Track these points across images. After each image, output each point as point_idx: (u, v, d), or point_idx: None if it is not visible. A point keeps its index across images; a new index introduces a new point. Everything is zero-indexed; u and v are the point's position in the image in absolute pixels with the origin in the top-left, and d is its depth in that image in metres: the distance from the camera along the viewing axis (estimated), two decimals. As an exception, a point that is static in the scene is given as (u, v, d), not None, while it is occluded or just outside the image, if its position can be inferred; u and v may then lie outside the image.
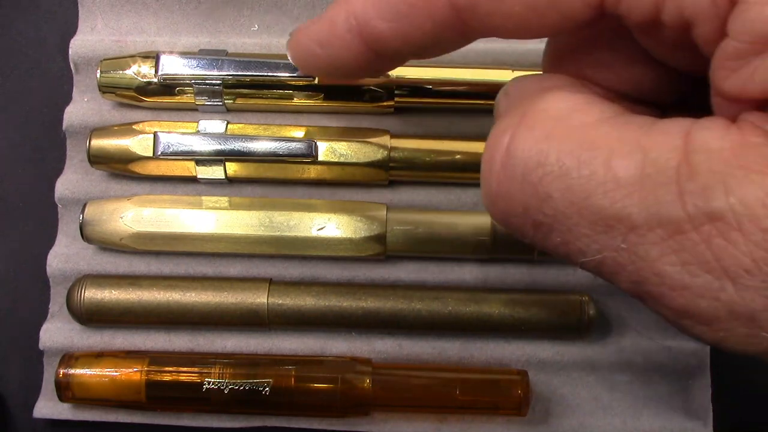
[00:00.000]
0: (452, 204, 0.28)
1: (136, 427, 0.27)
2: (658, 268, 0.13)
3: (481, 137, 0.26)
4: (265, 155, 0.27)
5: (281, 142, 0.27)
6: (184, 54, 0.27)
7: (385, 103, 0.28)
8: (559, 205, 0.14)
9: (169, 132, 0.27)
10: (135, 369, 0.26)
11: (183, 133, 0.27)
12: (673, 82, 0.17)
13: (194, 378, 0.26)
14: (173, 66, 0.27)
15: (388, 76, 0.27)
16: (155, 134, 0.27)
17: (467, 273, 0.28)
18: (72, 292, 0.27)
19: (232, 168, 0.27)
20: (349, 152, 0.27)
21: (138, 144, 0.27)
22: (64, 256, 0.28)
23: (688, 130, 0.13)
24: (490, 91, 0.27)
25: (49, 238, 0.29)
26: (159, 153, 0.27)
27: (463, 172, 0.27)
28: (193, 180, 0.28)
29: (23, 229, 0.30)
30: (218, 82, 0.27)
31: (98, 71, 0.27)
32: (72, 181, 0.28)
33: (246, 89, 0.27)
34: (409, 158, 0.27)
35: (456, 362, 0.27)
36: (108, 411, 0.27)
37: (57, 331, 0.28)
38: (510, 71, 0.27)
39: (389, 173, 0.27)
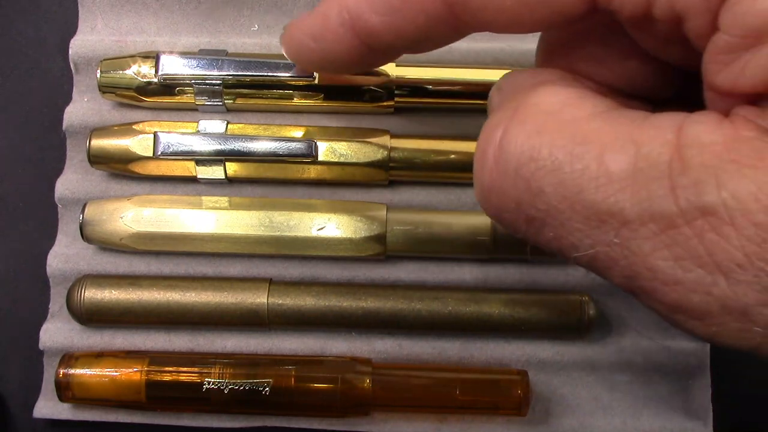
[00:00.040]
0: (452, 204, 0.28)
1: (136, 427, 0.27)
2: (650, 262, 0.13)
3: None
4: (265, 155, 0.27)
5: (281, 142, 0.27)
6: (184, 54, 0.27)
7: (385, 103, 0.28)
8: (551, 199, 0.14)
9: (169, 132, 0.27)
10: (135, 369, 0.26)
11: (183, 133, 0.27)
12: (666, 76, 0.17)
13: (194, 378, 0.26)
14: (173, 66, 0.27)
15: (389, 75, 0.27)
16: (155, 134, 0.27)
17: (467, 273, 0.28)
18: (72, 292, 0.27)
19: (232, 168, 0.27)
20: (349, 152, 0.27)
21: (138, 144, 0.27)
22: (64, 256, 0.28)
23: (680, 124, 0.13)
24: (489, 91, 0.27)
25: (49, 238, 0.29)
26: (159, 153, 0.27)
27: (463, 172, 0.27)
28: (193, 180, 0.28)
29: (23, 229, 0.30)
30: (218, 82, 0.27)
31: (98, 71, 0.27)
32: (72, 181, 0.28)
33: (246, 89, 0.27)
34: (409, 158, 0.27)
35: (456, 362, 0.27)
36: (108, 411, 0.27)
37: (57, 331, 0.28)
38: (510, 71, 0.27)
39: (389, 173, 0.27)
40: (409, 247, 0.27)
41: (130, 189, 0.28)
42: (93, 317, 0.27)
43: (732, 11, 0.12)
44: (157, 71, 0.27)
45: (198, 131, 0.27)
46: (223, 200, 0.28)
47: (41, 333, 0.28)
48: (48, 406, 0.28)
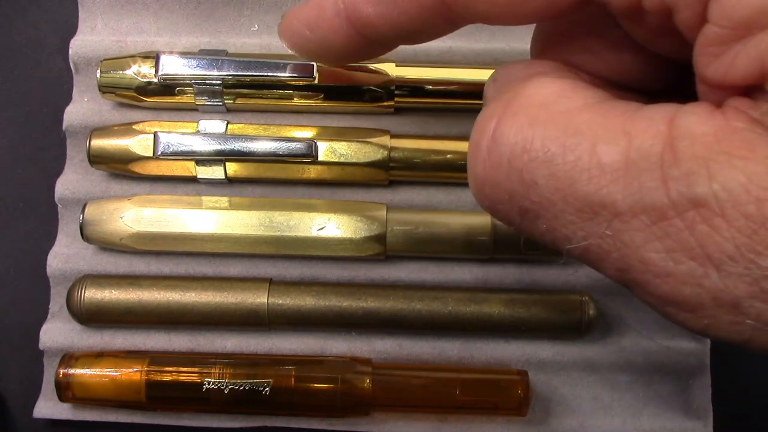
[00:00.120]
0: (452, 204, 0.28)
1: (136, 427, 0.27)
2: (642, 255, 0.13)
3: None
4: (265, 155, 0.27)
5: (281, 142, 0.27)
6: (184, 54, 0.27)
7: (385, 103, 0.28)
8: (544, 191, 0.14)
9: (169, 132, 0.27)
10: (135, 369, 0.26)
11: (183, 133, 0.27)
12: (660, 68, 0.17)
13: (194, 378, 0.26)
14: (173, 66, 0.27)
15: (389, 75, 0.27)
16: (155, 134, 0.27)
17: (467, 273, 0.28)
18: (72, 292, 0.27)
19: (232, 168, 0.27)
20: (349, 152, 0.27)
21: (138, 144, 0.27)
22: (64, 256, 0.28)
23: (672, 115, 0.13)
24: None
25: (49, 238, 0.29)
26: (159, 153, 0.27)
27: (463, 172, 0.27)
28: (193, 180, 0.28)
29: (23, 229, 0.30)
30: (218, 82, 0.27)
31: (98, 71, 0.27)
32: (72, 181, 0.28)
33: (246, 89, 0.27)
34: (409, 158, 0.27)
35: (456, 362, 0.27)
36: (108, 411, 0.27)
37: (57, 331, 0.28)
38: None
39: (389, 173, 0.27)
40: (409, 247, 0.27)
41: (130, 189, 0.28)
42: (93, 317, 0.27)
43: (721, 2, 0.12)
44: (157, 71, 0.27)
45: (198, 131, 0.27)
46: (223, 200, 0.28)
47: (41, 333, 0.28)
48: (48, 406, 0.28)
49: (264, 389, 0.26)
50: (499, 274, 0.28)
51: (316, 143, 0.27)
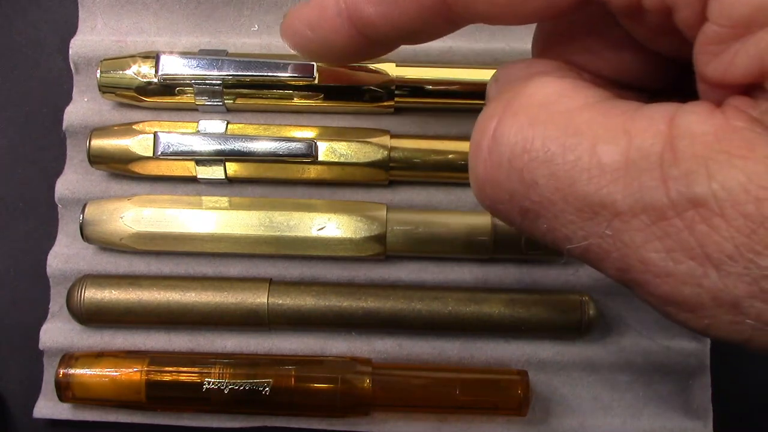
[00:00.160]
0: (452, 204, 0.28)
1: (136, 427, 0.27)
2: (642, 254, 0.13)
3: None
4: (265, 155, 0.27)
5: (281, 142, 0.27)
6: (184, 54, 0.27)
7: (385, 103, 0.28)
8: (544, 191, 0.14)
9: (169, 132, 0.27)
10: (135, 369, 0.26)
11: (183, 133, 0.27)
12: (661, 67, 0.17)
13: (194, 378, 0.26)
14: (173, 66, 0.27)
15: (389, 75, 0.27)
16: (155, 134, 0.27)
17: (467, 273, 0.28)
18: (72, 292, 0.27)
19: (232, 168, 0.27)
20: (349, 152, 0.27)
21: (138, 144, 0.27)
22: (64, 256, 0.28)
23: (672, 114, 0.13)
24: (489, 90, 0.27)
25: (49, 238, 0.29)
26: (159, 153, 0.27)
27: (463, 172, 0.27)
28: (193, 180, 0.28)
29: (23, 229, 0.30)
30: (218, 82, 0.27)
31: (98, 71, 0.27)
32: (72, 181, 0.28)
33: (246, 89, 0.27)
34: (409, 158, 0.27)
35: (456, 362, 0.27)
36: (108, 411, 0.27)
37: (57, 331, 0.28)
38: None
39: (389, 173, 0.27)
40: (409, 247, 0.27)
41: (130, 189, 0.28)
42: (93, 317, 0.27)
43: (720, 1, 0.12)
44: (157, 71, 0.27)
45: (198, 131, 0.27)
46: (223, 200, 0.28)
47: (41, 333, 0.28)
48: (48, 406, 0.28)
49: (264, 389, 0.26)
50: (499, 274, 0.28)
51: (316, 143, 0.27)
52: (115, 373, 0.26)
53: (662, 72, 0.17)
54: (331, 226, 0.27)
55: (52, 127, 0.29)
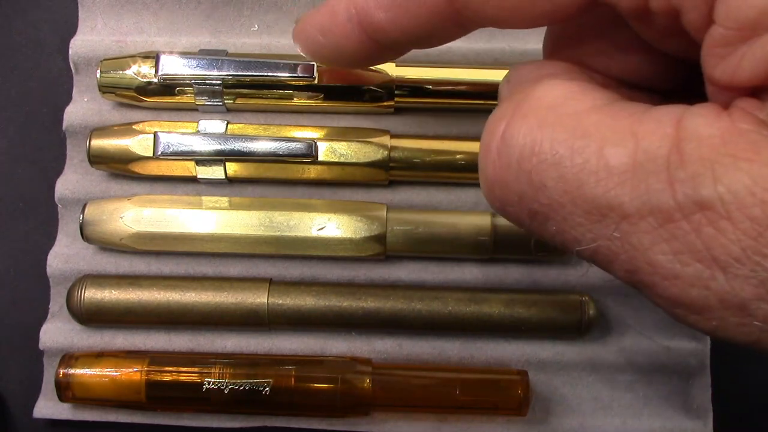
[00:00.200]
0: (452, 204, 0.28)
1: (136, 427, 0.27)
2: (650, 257, 0.13)
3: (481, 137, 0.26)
4: (265, 155, 0.27)
5: (281, 142, 0.27)
6: (184, 54, 0.27)
7: (385, 103, 0.28)
8: (553, 194, 0.14)
9: (169, 132, 0.27)
10: (135, 369, 0.26)
11: (183, 133, 0.27)
12: (672, 68, 0.17)
13: (194, 378, 0.26)
14: (173, 66, 0.27)
15: (389, 75, 0.27)
16: (155, 134, 0.27)
17: (467, 273, 0.28)
18: (72, 292, 0.27)
19: (232, 168, 0.27)
20: (349, 152, 0.27)
21: (138, 144, 0.27)
22: (64, 256, 0.28)
23: (680, 117, 0.13)
24: (490, 91, 0.27)
25: (49, 238, 0.29)
26: (159, 153, 0.27)
27: (463, 172, 0.27)
28: (193, 180, 0.28)
29: (23, 229, 0.30)
30: (218, 82, 0.27)
31: (98, 71, 0.27)
32: (72, 181, 0.28)
33: (246, 89, 0.27)
34: (409, 158, 0.27)
35: (456, 362, 0.27)
36: (108, 411, 0.27)
37: (57, 331, 0.28)
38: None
39: (389, 173, 0.27)
40: (409, 247, 0.27)
41: (130, 189, 0.28)
42: (93, 317, 0.27)
43: (726, 4, 0.12)
44: (157, 71, 0.27)
45: (198, 131, 0.27)
46: (223, 200, 0.28)
47: (41, 333, 0.28)
48: (48, 406, 0.28)
49: (264, 389, 0.26)
50: (499, 274, 0.28)
51: (316, 143, 0.27)
52: (115, 373, 0.26)
53: (673, 73, 0.17)
54: (331, 226, 0.27)
55: (52, 127, 0.29)
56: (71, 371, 0.26)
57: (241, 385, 0.26)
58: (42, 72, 0.30)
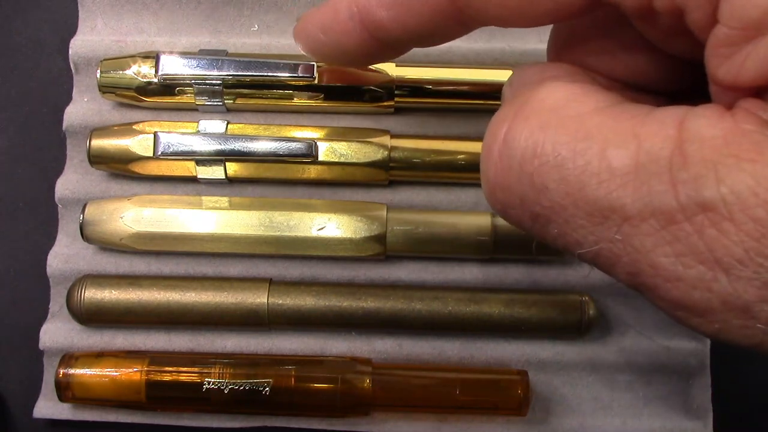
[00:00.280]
0: (452, 204, 0.28)
1: (136, 427, 0.27)
2: (652, 259, 0.13)
3: (481, 137, 0.26)
4: (265, 155, 0.27)
5: (281, 142, 0.27)
6: (184, 54, 0.27)
7: (385, 103, 0.28)
8: (555, 196, 0.14)
9: (169, 132, 0.27)
10: (135, 369, 0.26)
11: (183, 133, 0.27)
12: (677, 69, 0.17)
13: (194, 378, 0.26)
14: (173, 66, 0.27)
15: (389, 75, 0.27)
16: (155, 134, 0.27)
17: (467, 273, 0.28)
18: (72, 292, 0.27)
19: (232, 168, 0.27)
20: (349, 152, 0.27)
21: (138, 144, 0.27)
22: (64, 256, 0.28)
23: (682, 118, 0.13)
24: (490, 91, 0.27)
25: (49, 238, 0.29)
26: (159, 153, 0.27)
27: (463, 172, 0.27)
28: (193, 180, 0.28)
29: (23, 229, 0.30)
30: (218, 82, 0.27)
31: (98, 71, 0.27)
32: (72, 181, 0.28)
33: (246, 89, 0.27)
34: (409, 158, 0.27)
35: (456, 362, 0.27)
36: (108, 411, 0.27)
37: (57, 331, 0.28)
38: (510, 71, 0.27)
39: (389, 173, 0.27)
40: (409, 247, 0.27)
41: (130, 189, 0.28)
42: (93, 317, 0.27)
43: (730, 3, 0.12)
44: (157, 71, 0.27)
45: (198, 131, 0.27)
46: (223, 200, 0.28)
47: (41, 333, 0.28)
48: (48, 406, 0.28)
49: (264, 389, 0.26)
50: (499, 274, 0.28)
51: (316, 143, 0.27)
52: (115, 373, 0.26)
53: (679, 74, 0.17)
54: (331, 226, 0.27)
55: (52, 127, 0.29)
56: (71, 371, 0.26)
57: (241, 385, 0.26)
58: (42, 72, 0.30)
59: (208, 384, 0.26)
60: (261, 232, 0.27)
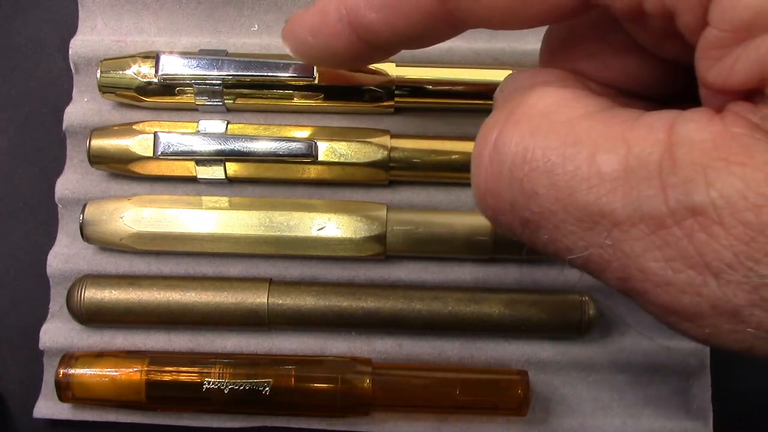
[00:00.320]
0: (452, 204, 0.28)
1: (136, 427, 0.27)
2: (641, 264, 0.13)
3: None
4: (265, 155, 0.27)
5: (281, 142, 0.27)
6: (184, 54, 0.27)
7: (385, 103, 0.28)
8: (545, 201, 0.14)
9: (169, 132, 0.27)
10: (135, 369, 0.26)
11: (183, 133, 0.27)
12: (669, 73, 0.16)
13: (194, 378, 0.26)
14: (173, 66, 0.27)
15: (389, 75, 0.27)
16: (155, 134, 0.27)
17: (467, 273, 0.28)
18: (72, 292, 0.27)
19: (232, 168, 0.27)
20: (349, 152, 0.27)
21: (138, 144, 0.27)
22: (64, 256, 0.28)
23: (672, 122, 0.13)
24: (490, 91, 0.27)
25: (49, 238, 0.29)
26: (159, 153, 0.27)
27: (463, 173, 0.27)
28: (193, 180, 0.28)
29: (23, 229, 0.30)
30: (218, 82, 0.27)
31: (98, 71, 0.27)
32: (72, 181, 0.28)
33: (246, 89, 0.27)
34: (409, 158, 0.27)
35: (456, 362, 0.27)
36: (108, 411, 0.27)
37: (57, 331, 0.28)
38: (510, 72, 0.27)
39: (389, 173, 0.27)
40: (409, 247, 0.27)
41: (130, 189, 0.28)
42: (93, 317, 0.27)
43: (721, 5, 0.12)
44: (157, 71, 0.27)
45: (198, 131, 0.27)
46: (223, 200, 0.28)
47: (41, 333, 0.28)
48: (48, 406, 0.28)
49: (264, 389, 0.26)
50: (499, 274, 0.28)
51: (316, 143, 0.27)
52: (115, 373, 0.26)
53: (671, 79, 0.17)
54: (331, 226, 0.27)
55: (52, 127, 0.29)
56: (71, 371, 0.26)
57: (241, 385, 0.26)
58: (42, 72, 0.30)
59: (208, 384, 0.26)
60: (261, 232, 0.27)
